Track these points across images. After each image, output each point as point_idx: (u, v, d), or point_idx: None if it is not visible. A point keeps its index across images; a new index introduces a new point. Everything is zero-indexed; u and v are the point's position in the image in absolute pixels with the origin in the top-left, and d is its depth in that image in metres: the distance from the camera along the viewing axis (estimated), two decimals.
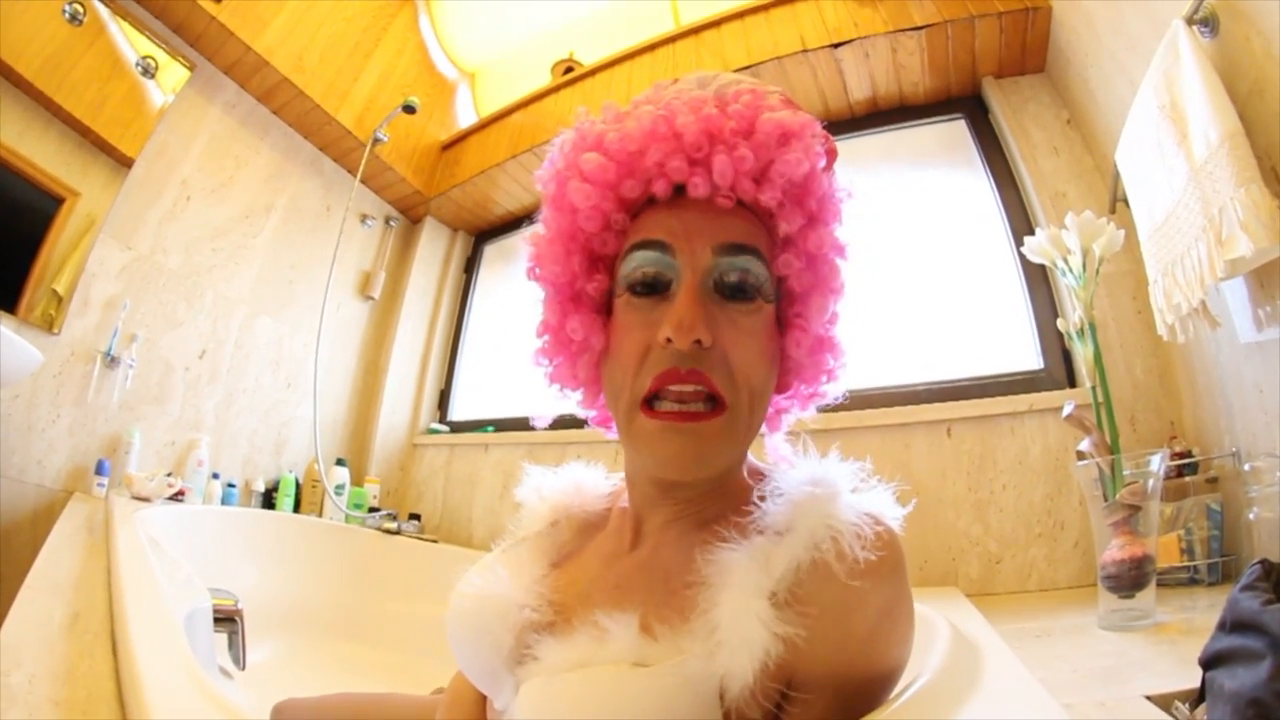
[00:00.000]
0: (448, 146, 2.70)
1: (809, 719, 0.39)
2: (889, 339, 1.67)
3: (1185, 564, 1.04)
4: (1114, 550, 0.91)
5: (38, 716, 0.59)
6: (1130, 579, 0.89)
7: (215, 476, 1.86)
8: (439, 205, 2.65)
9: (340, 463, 2.18)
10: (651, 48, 2.25)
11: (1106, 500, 0.95)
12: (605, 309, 0.50)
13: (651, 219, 0.48)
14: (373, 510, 2.10)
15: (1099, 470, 0.97)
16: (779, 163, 0.45)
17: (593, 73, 2.39)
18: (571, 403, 0.56)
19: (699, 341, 0.42)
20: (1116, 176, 1.23)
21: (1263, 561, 0.54)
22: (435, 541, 1.98)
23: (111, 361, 1.69)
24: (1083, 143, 1.58)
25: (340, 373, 2.39)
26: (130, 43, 1.78)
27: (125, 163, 1.75)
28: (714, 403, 0.44)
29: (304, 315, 2.23)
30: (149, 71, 1.81)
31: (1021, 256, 1.23)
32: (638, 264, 0.46)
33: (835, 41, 1.78)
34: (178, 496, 1.62)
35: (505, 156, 2.38)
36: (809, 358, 0.50)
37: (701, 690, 0.38)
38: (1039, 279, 1.55)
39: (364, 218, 2.52)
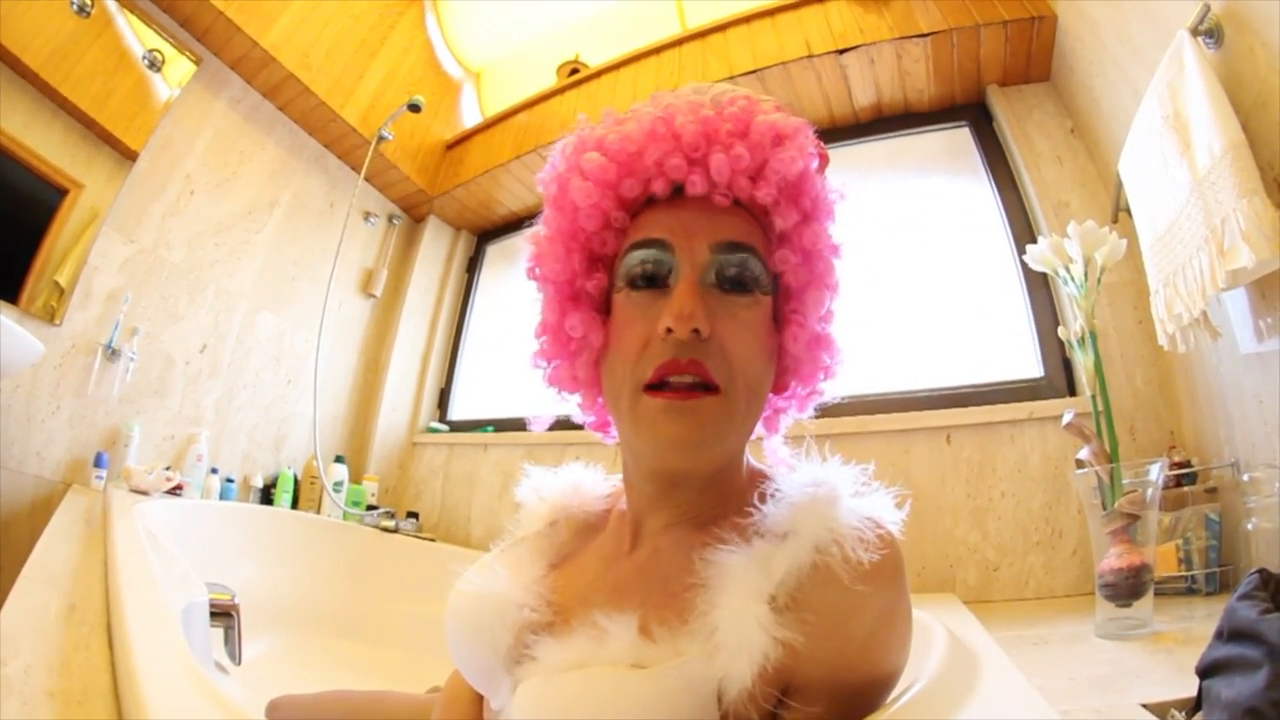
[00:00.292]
0: (452, 146, 2.70)
1: None
2: (891, 345, 1.67)
3: (1183, 573, 1.05)
4: (1112, 559, 0.92)
5: (33, 707, 0.59)
6: (1128, 588, 0.89)
7: (214, 471, 1.86)
8: (442, 204, 2.65)
9: (339, 460, 2.18)
10: (657, 51, 2.25)
11: (1105, 509, 0.95)
12: (604, 308, 0.51)
13: (651, 218, 0.49)
14: (371, 508, 2.10)
15: (1098, 479, 0.97)
16: (774, 161, 0.46)
17: (598, 75, 2.40)
18: (570, 405, 0.56)
19: (697, 331, 0.43)
20: (1119, 186, 1.23)
21: (1261, 571, 0.55)
22: (433, 540, 1.98)
23: (112, 354, 1.69)
24: (1086, 152, 1.58)
25: (341, 370, 2.39)
26: (137, 36, 1.78)
27: (130, 156, 1.75)
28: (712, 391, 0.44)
29: (306, 312, 2.23)
30: (155, 65, 1.81)
31: (1023, 264, 1.23)
32: (637, 260, 0.47)
33: (841, 48, 1.79)
34: (175, 491, 1.62)
35: (509, 157, 2.39)
36: (806, 353, 0.51)
37: (699, 692, 0.38)
38: (1040, 287, 1.55)
39: (367, 215, 2.53)
